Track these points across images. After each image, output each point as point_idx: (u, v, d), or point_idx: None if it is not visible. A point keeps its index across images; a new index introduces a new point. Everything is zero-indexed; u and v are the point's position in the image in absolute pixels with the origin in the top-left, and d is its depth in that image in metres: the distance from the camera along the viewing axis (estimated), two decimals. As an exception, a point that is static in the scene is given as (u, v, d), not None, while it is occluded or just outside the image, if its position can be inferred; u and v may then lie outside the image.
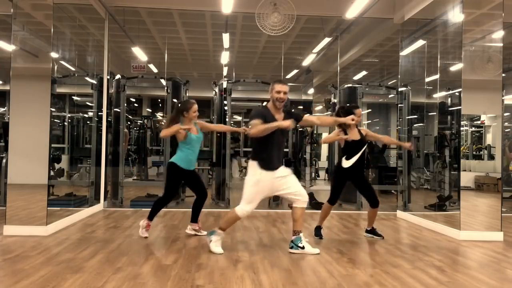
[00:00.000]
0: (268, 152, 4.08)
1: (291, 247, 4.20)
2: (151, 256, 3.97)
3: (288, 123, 3.90)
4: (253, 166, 4.10)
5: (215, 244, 4.16)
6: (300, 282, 3.29)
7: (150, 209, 4.82)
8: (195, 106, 4.75)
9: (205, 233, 4.79)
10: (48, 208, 4.82)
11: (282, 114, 4.20)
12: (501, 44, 5.22)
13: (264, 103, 4.48)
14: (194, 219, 4.92)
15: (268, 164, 4.07)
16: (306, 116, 4.40)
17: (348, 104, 5.00)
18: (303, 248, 4.16)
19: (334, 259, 3.99)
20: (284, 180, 4.16)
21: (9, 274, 3.38)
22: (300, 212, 4.21)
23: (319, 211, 5.05)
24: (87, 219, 5.91)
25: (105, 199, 7.02)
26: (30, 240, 4.46)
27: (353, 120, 4.41)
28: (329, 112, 8.94)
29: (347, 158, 4.80)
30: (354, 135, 4.80)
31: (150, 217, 4.81)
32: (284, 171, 4.19)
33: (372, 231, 5.01)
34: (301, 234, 4.22)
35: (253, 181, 4.07)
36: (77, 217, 5.76)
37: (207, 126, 5.10)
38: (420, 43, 7.40)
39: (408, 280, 3.39)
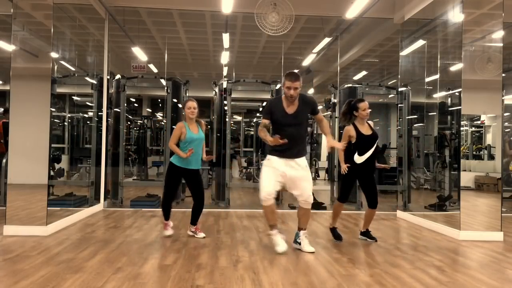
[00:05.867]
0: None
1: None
2: (151, 256, 3.97)
3: (274, 142, 3.97)
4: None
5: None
6: (300, 282, 3.29)
7: (150, 209, 4.84)
8: (189, 103, 4.72)
9: (202, 235, 4.82)
10: (48, 208, 4.82)
11: (295, 106, 4.17)
12: (501, 44, 5.22)
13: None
14: (193, 221, 4.91)
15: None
16: (319, 115, 4.39)
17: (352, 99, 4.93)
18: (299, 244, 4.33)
19: (334, 259, 3.99)
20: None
21: (9, 274, 3.38)
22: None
23: (319, 211, 5.03)
24: (87, 219, 5.91)
25: (105, 199, 7.02)
26: (30, 240, 4.46)
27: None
28: (329, 112, 8.94)
29: (360, 154, 4.69)
30: (365, 130, 4.74)
31: (165, 218, 4.88)
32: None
33: (366, 234, 4.89)
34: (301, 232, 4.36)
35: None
36: (77, 217, 5.76)
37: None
38: (420, 43, 7.40)
39: (408, 280, 3.39)
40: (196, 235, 4.84)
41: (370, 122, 4.88)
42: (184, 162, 4.65)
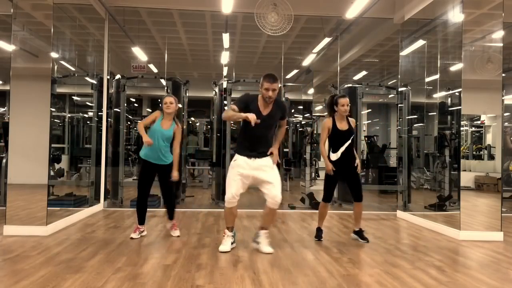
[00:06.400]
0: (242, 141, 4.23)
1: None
2: (151, 256, 3.97)
3: (251, 119, 3.91)
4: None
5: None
6: (300, 282, 3.29)
7: (150, 209, 4.82)
8: (165, 99, 4.72)
9: (177, 234, 4.83)
10: (48, 208, 4.82)
11: (269, 108, 4.17)
12: (501, 44, 5.22)
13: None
14: (168, 217, 4.94)
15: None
16: (284, 122, 4.41)
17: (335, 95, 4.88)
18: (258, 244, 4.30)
19: (334, 259, 3.99)
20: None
21: (9, 274, 3.38)
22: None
23: (318, 211, 5.02)
24: (87, 219, 5.91)
25: (105, 199, 7.02)
26: (30, 240, 4.45)
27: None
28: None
29: (334, 151, 4.69)
30: (342, 125, 4.71)
31: (139, 221, 4.80)
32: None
33: (358, 233, 4.81)
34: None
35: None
36: (77, 217, 5.76)
37: (177, 137, 4.79)
38: (420, 43, 7.40)
39: (408, 280, 3.40)
40: (171, 233, 4.86)
41: (352, 119, 4.84)
42: (151, 156, 4.64)
